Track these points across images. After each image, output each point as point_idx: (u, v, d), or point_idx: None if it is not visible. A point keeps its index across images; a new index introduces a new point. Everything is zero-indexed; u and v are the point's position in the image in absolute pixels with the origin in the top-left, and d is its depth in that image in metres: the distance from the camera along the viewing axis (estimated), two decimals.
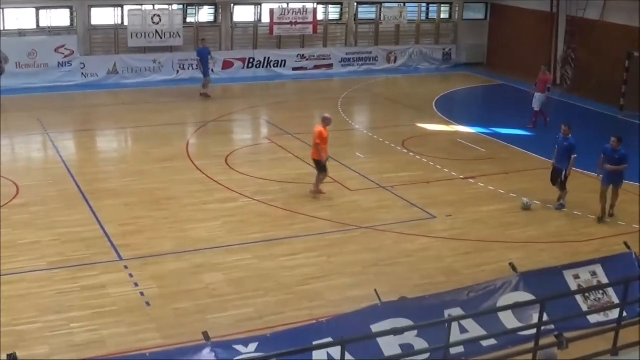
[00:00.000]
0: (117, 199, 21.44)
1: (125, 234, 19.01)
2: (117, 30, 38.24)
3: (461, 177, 23.18)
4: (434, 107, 34.32)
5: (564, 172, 20.86)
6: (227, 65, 39.73)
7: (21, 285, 16.38)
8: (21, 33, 36.95)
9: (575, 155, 20.58)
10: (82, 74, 36.96)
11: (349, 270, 17.22)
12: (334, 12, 42.85)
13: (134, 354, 12.66)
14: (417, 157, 25.88)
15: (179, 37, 38.72)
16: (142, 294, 16.04)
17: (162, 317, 15.02)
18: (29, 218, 19.90)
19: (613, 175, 20.16)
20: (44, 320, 14.90)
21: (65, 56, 36.93)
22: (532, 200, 21.26)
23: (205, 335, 10.70)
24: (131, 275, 16.86)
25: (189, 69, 38.59)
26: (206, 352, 10.53)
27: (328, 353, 10.77)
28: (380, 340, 11.15)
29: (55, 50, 36.65)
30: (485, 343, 11.84)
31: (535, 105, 30.41)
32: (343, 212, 20.29)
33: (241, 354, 10.64)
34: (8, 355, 10.21)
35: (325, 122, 21.30)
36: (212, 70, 36.44)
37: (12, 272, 16.97)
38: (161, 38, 38.31)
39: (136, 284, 16.45)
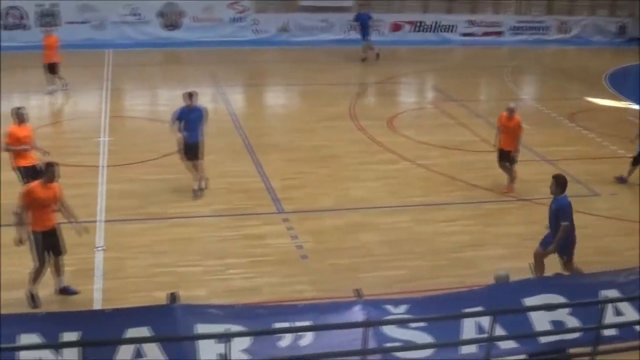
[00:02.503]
0: (282, 153, 21.90)
1: (287, 188, 19.45)
2: None
3: (629, 155, 22.51)
4: (605, 81, 33.33)
5: None
6: (395, 27, 39.71)
7: (187, 229, 17.10)
8: None
9: None
10: (254, 30, 37.77)
11: (504, 241, 17.02)
12: None
13: (287, 303, 12.98)
14: (584, 131, 25.25)
15: None
16: (299, 247, 16.40)
17: (316, 271, 15.35)
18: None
19: None
20: (205, 264, 15.53)
21: (239, 12, 37.76)
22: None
23: (357, 292, 10.90)
24: (290, 228, 17.26)
25: (358, 29, 38.62)
26: (357, 308, 10.67)
27: (477, 322, 10.76)
28: (531, 314, 11.05)
29: (230, 7, 37.50)
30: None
31: None
32: (503, 183, 20.08)
33: (391, 314, 10.69)
34: (170, 294, 10.71)
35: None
36: (377, 31, 36.39)
37: (180, 216, 17.76)
38: None
39: (294, 237, 16.83)
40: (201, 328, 10.29)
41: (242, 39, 37.85)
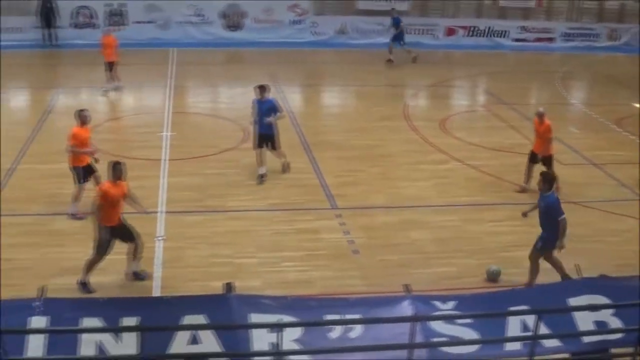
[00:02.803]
0: (337, 151, 21.92)
1: (340, 185, 19.45)
2: None
3: None
4: None
5: None
6: (450, 32, 39.50)
7: (244, 222, 17.19)
8: None
9: None
10: (312, 32, 37.82)
11: None
12: None
13: (338, 296, 13.00)
14: (631, 137, 24.82)
15: (406, 2, 38.86)
16: (351, 242, 16.40)
17: (367, 266, 15.33)
18: (255, 162, 20.70)
19: None
20: (260, 256, 15.61)
21: (299, 14, 37.92)
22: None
23: (406, 287, 10.88)
24: (343, 224, 17.26)
25: (413, 33, 38.50)
26: (405, 303, 10.65)
27: (522, 320, 10.67)
28: (575, 314, 10.94)
29: (289, 9, 37.64)
30: None
31: None
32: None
33: (439, 309, 10.67)
34: (226, 284, 10.77)
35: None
36: (431, 35, 36.16)
37: (237, 209, 17.88)
38: (389, 2, 38.51)
39: (346, 233, 16.83)
40: (255, 317, 10.35)
41: (301, 40, 37.94)
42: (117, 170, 14.06)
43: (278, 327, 9.56)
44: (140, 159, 20.53)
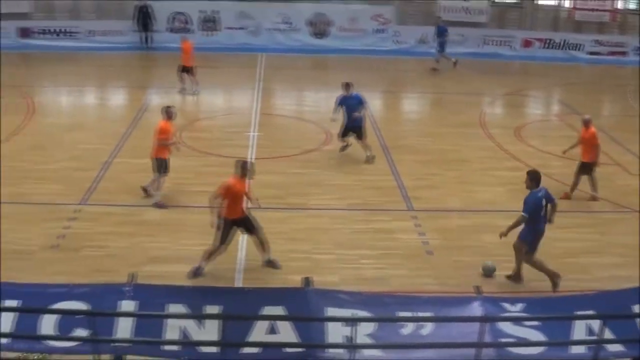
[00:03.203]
0: (414, 155, 21.82)
1: (417, 188, 19.33)
2: (430, 4, 38.59)
3: None
4: None
5: None
6: (527, 44, 38.92)
7: (323, 220, 17.25)
8: (345, 1, 38.37)
9: None
10: (394, 41, 37.72)
11: (618, 250, 16.38)
12: (633, 2, 40.66)
13: (411, 294, 12.94)
14: None
15: (485, 14, 38.50)
16: (425, 243, 16.31)
17: (440, 266, 15.21)
18: (336, 163, 20.78)
19: None
20: (338, 253, 15.63)
21: (382, 24, 37.87)
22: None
23: (477, 289, 10.77)
24: (418, 225, 17.16)
25: (491, 44, 38.36)
26: (476, 304, 10.56)
27: (588, 324, 10.46)
28: (638, 320, 10.73)
29: (373, 18, 37.59)
30: None
31: None
32: (620, 194, 19.35)
33: (507, 311, 10.57)
34: (305, 278, 10.79)
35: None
36: (509, 47, 35.71)
37: (318, 207, 17.95)
38: (468, 14, 38.29)
39: (421, 234, 16.74)
40: (331, 311, 10.36)
41: (383, 48, 37.84)
42: (244, 168, 14.55)
43: (353, 321, 9.56)
44: (228, 156, 20.70)
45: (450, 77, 32.96)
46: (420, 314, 10.49)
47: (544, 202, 14.38)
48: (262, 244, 14.90)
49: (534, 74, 36.18)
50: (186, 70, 28.43)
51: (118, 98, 29.71)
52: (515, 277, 14.79)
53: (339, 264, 15.19)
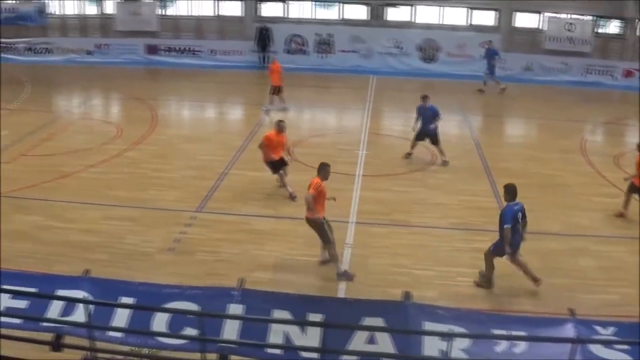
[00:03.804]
0: (515, 178, 21.10)
1: None
2: (535, 33, 38.05)
3: None
4: None
5: None
6: (628, 74, 37.90)
7: (424, 237, 17.09)
8: (454, 28, 38.17)
9: None
10: (500, 67, 37.27)
11: None
12: None
13: (506, 313, 12.75)
14: None
15: (588, 44, 37.72)
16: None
17: (535, 288, 14.88)
18: (440, 183, 20.65)
19: None
20: (437, 270, 15.44)
21: None
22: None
23: (571, 311, 10.54)
24: None
25: (593, 73, 37.53)
26: (569, 326, 10.38)
27: None
28: None
29: (481, 45, 37.25)
30: None
31: None
32: None
33: (599, 334, 10.34)
34: (405, 292, 10.76)
35: None
36: (610, 77, 34.91)
37: (419, 225, 17.81)
38: (572, 44, 37.60)
39: (519, 255, 16.34)
40: (428, 325, 10.30)
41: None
42: (326, 170, 15.18)
43: (449, 336, 9.46)
44: (338, 172, 20.83)
45: (554, 105, 32.34)
46: (514, 333, 10.34)
47: (519, 215, 14.36)
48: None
49: (634, 104, 35.11)
50: (276, 90, 28.78)
51: (236, 113, 30.29)
52: (484, 283, 14.81)
53: (437, 280, 15.02)
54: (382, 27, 38.88)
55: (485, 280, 14.76)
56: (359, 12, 39.43)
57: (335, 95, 31.86)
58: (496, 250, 14.49)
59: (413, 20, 39.29)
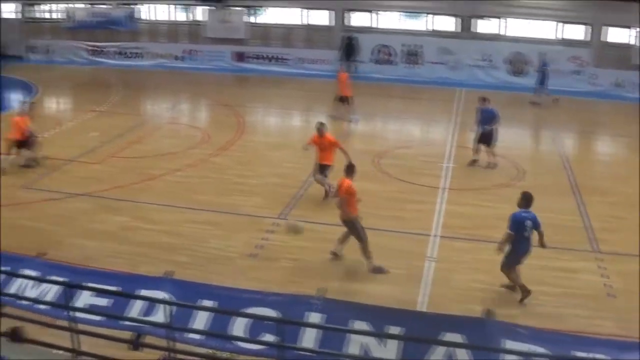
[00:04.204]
0: (604, 197, 20.95)
1: (604, 229, 18.51)
2: (626, 48, 37.22)
3: None
4: None
5: None
6: None
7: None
8: (541, 42, 37.61)
9: None
10: (590, 82, 36.62)
11: None
12: None
13: (589, 335, 12.50)
14: None
15: None
16: (608, 286, 15.55)
17: (621, 310, 14.43)
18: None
19: None
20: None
21: (579, 65, 36.93)
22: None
23: None
24: (602, 268, 16.41)
25: None
26: None
27: None
28: None
29: (570, 60, 36.69)
30: None
31: None
32: None
33: None
34: (486, 309, 10.64)
35: None
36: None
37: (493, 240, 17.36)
38: None
39: (605, 276, 15.98)
40: (508, 344, 10.18)
41: (579, 89, 36.69)
42: (354, 170, 16.02)
43: (529, 356, 9.35)
44: (422, 185, 20.83)
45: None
46: (597, 356, 10.14)
47: (528, 224, 14.37)
48: (344, 239, 16.15)
49: None
50: (343, 99, 28.85)
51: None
52: (514, 288, 14.86)
53: (519, 298, 14.79)
54: (471, 39, 38.61)
55: (523, 291, 14.66)
56: (448, 24, 39.23)
57: (422, 107, 31.75)
58: (507, 260, 14.58)
59: (502, 32, 38.90)
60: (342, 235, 16.14)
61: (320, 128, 19.98)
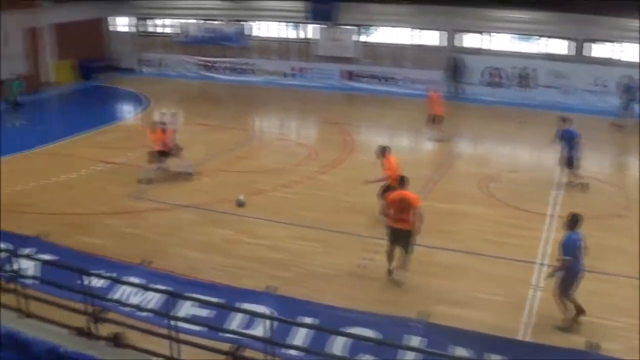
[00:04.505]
0: None
1: None
2: None
3: None
4: None
5: None
6: None
7: (612, 286, 16.36)
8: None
9: None
10: None
11: None
12: None
13: None
14: None
15: None
16: None
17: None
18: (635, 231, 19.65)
19: None
20: (623, 321, 14.68)
21: None
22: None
23: None
24: None
25: None
26: None
27: None
28: None
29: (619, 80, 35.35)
30: None
31: None
32: None
33: None
34: (590, 342, 10.41)
35: None
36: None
37: (607, 272, 16.92)
38: None
39: None
40: None
41: None
42: (404, 182, 16.41)
43: None
44: (529, 211, 20.51)
45: None
46: None
47: (580, 244, 14.24)
48: (403, 264, 16.25)
49: None
50: (434, 119, 28.71)
51: (428, 143, 30.19)
52: (579, 312, 14.56)
53: (623, 332, 14.30)
54: (584, 64, 37.79)
55: (570, 320, 14.47)
56: (560, 47, 38.52)
57: (532, 131, 31.18)
58: (563, 285, 14.35)
59: (617, 57, 37.91)
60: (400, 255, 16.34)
61: (383, 148, 20.11)
